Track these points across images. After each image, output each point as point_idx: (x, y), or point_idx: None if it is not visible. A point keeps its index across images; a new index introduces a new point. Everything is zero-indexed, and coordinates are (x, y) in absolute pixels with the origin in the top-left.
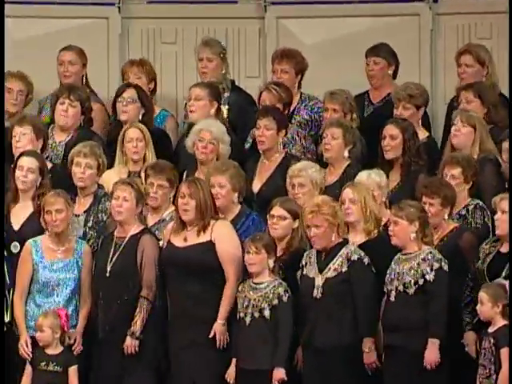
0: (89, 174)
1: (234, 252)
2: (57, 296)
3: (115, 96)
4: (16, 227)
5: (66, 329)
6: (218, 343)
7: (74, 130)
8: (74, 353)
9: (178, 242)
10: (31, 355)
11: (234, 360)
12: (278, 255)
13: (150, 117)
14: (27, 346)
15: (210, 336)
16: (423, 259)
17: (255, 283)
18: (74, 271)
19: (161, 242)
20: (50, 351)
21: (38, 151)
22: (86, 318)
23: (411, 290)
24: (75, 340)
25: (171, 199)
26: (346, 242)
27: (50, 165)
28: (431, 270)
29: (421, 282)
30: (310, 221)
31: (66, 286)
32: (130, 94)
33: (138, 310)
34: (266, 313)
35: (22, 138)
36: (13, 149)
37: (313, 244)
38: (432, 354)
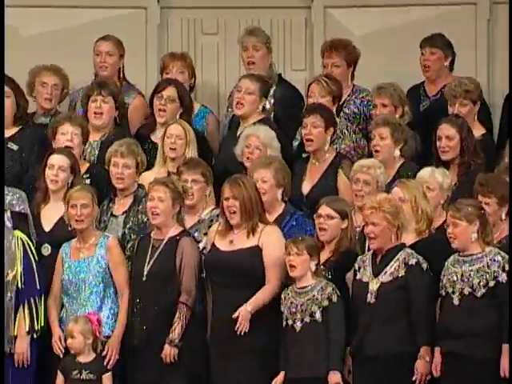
0: (127, 173)
1: (279, 256)
2: (80, 298)
3: (154, 91)
4: (47, 229)
5: (98, 334)
6: (238, 326)
7: (109, 127)
8: (108, 365)
9: (224, 245)
10: (63, 351)
11: (281, 373)
12: (326, 257)
13: (188, 117)
14: (60, 341)
15: (234, 316)
16: (492, 260)
17: (299, 288)
18: (97, 268)
19: (200, 245)
20: (82, 359)
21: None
22: (122, 329)
23: (480, 293)
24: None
25: (207, 197)
26: (403, 245)
27: (86, 165)
28: (503, 270)
29: (491, 283)
30: (369, 218)
31: (91, 286)
32: (170, 92)
33: (176, 316)
34: (318, 315)
35: (75, 138)
36: (55, 146)
37: (369, 243)
38: (506, 360)
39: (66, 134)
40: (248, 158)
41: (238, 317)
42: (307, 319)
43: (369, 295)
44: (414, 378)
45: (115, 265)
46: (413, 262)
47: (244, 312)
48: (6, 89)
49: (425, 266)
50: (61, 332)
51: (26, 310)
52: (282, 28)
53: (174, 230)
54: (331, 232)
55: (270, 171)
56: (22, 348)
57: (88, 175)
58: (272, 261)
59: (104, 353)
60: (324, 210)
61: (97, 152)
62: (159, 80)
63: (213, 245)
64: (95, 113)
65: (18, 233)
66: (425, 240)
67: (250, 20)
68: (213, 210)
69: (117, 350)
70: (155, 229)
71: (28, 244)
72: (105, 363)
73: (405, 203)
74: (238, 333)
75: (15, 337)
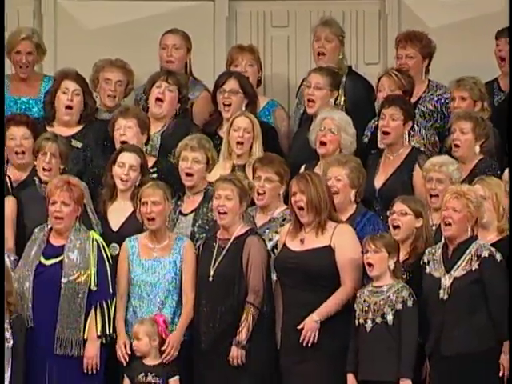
0: (196, 169)
1: (353, 257)
2: (151, 296)
3: (215, 86)
4: (115, 228)
5: (164, 336)
6: (302, 338)
7: (169, 118)
8: (166, 359)
9: (294, 245)
10: (127, 359)
11: (350, 376)
12: (402, 258)
13: (253, 108)
14: (125, 348)
15: (299, 327)
16: None
17: (375, 287)
18: (172, 271)
19: (269, 244)
20: (148, 361)
21: (143, 146)
22: (185, 325)
23: None
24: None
25: (281, 195)
26: (475, 237)
27: (153, 159)
28: None
29: None
30: (451, 203)
31: (163, 287)
32: (231, 85)
33: (243, 317)
34: (389, 318)
35: (128, 132)
36: (115, 142)
37: (444, 230)
38: None
39: (120, 129)
40: (321, 142)
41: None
42: (378, 320)
43: (441, 291)
44: (500, 374)
45: (188, 268)
46: (485, 253)
47: (309, 324)
48: (76, 86)
49: (498, 257)
50: (126, 337)
51: (98, 314)
52: (354, 20)
53: (240, 229)
54: (404, 229)
55: (345, 170)
56: (91, 352)
57: (155, 169)
58: (346, 262)
59: (163, 347)
60: (398, 206)
61: (158, 144)
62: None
63: (284, 245)
64: (157, 99)
65: (92, 233)
66: (506, 239)
67: (321, 12)
68: (286, 208)
69: (177, 347)
70: (221, 228)
71: (103, 245)
72: (162, 357)
73: (485, 201)
74: (304, 344)
75: (84, 340)
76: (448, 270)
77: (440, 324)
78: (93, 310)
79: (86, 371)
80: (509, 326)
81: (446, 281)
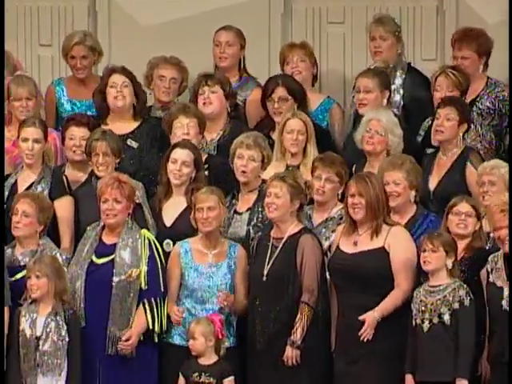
0: (252, 167)
1: (408, 259)
2: (208, 303)
3: (263, 93)
4: (168, 224)
5: (220, 336)
6: (362, 331)
7: (223, 121)
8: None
9: (348, 247)
10: (181, 318)
11: (408, 376)
12: (459, 256)
13: (304, 107)
14: (178, 313)
15: (360, 318)
16: None
17: (432, 286)
18: (227, 276)
19: (326, 243)
20: (203, 361)
21: (199, 145)
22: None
23: None
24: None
25: (339, 196)
26: None
27: (204, 156)
28: None
29: None
30: (501, 222)
31: (217, 290)
32: (280, 93)
33: (298, 316)
34: (446, 317)
35: (191, 130)
36: (172, 140)
37: (501, 246)
38: None
39: (182, 127)
40: (368, 143)
41: (363, 321)
42: (435, 320)
43: (504, 302)
44: None
45: (242, 273)
46: None
47: (370, 318)
48: (124, 79)
49: None
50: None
51: (148, 310)
52: (411, 16)
53: (293, 228)
54: (471, 229)
55: (402, 173)
56: (130, 339)
57: (206, 166)
58: (401, 263)
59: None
60: (464, 207)
61: (215, 146)
62: (279, 74)
63: (337, 247)
64: (204, 103)
65: (144, 232)
66: None
67: (377, 8)
68: (343, 207)
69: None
70: (275, 227)
71: (155, 244)
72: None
73: None
74: (361, 339)
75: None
76: (510, 281)
77: (502, 333)
78: (141, 306)
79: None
80: None
81: (508, 291)
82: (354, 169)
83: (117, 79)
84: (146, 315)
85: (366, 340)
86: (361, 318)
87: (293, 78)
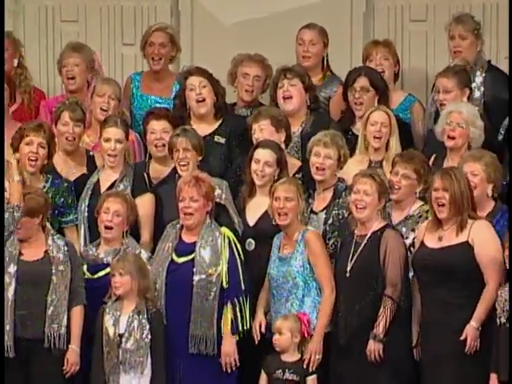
0: (328, 164)
1: (494, 254)
2: (283, 294)
3: (345, 84)
4: (251, 223)
5: (306, 335)
6: (467, 348)
7: (305, 114)
8: (310, 367)
9: (432, 242)
10: (259, 337)
11: (493, 376)
12: None
13: (385, 102)
14: (260, 327)
15: (461, 338)
16: None
17: None
18: (298, 265)
19: (408, 241)
20: (286, 358)
21: (281, 144)
22: (323, 329)
23: None
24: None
25: (417, 194)
26: None
27: (297, 164)
28: None
29: None
30: None
31: (292, 282)
32: (362, 82)
33: (381, 310)
34: None
35: (261, 134)
36: (253, 142)
37: None
38: None
39: (254, 133)
40: (449, 136)
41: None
42: None
43: None
44: None
45: (315, 258)
46: None
47: (471, 331)
48: (201, 79)
49: None
50: (263, 318)
51: (231, 311)
52: (494, 13)
53: (377, 225)
54: None
55: (481, 165)
56: (229, 349)
57: (301, 174)
58: (488, 260)
59: (306, 355)
60: None
61: (299, 142)
62: (362, 65)
63: (421, 242)
64: (284, 97)
65: (224, 230)
66: None
67: (460, 5)
68: (422, 205)
69: (319, 350)
70: (358, 224)
71: (234, 242)
72: (305, 365)
73: None
74: (468, 353)
75: (218, 338)
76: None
77: None
78: (225, 307)
79: (225, 369)
80: None
81: None
82: (432, 161)
83: (194, 81)
84: (230, 318)
85: (472, 352)
86: (462, 337)
87: (376, 71)
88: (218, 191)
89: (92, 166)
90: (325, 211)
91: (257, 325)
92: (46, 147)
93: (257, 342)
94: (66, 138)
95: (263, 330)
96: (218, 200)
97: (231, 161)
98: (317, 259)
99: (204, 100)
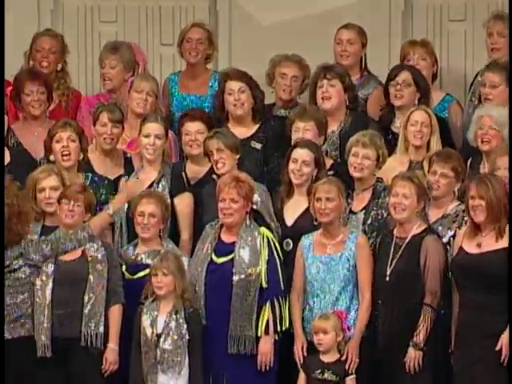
0: (366, 164)
1: None
2: (326, 296)
3: (387, 79)
4: (289, 223)
5: (347, 331)
6: (502, 357)
7: (343, 113)
8: (350, 369)
9: (471, 248)
10: (303, 360)
11: None
12: None
13: (426, 102)
14: (302, 350)
15: (497, 349)
16: None
17: None
18: (345, 267)
19: (443, 239)
20: (325, 358)
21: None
22: (361, 329)
23: None
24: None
25: (455, 192)
26: None
27: (329, 162)
28: None
29: None
30: None
31: (337, 284)
32: (404, 76)
33: (421, 318)
34: None
35: (306, 134)
36: (291, 140)
37: None
38: None
39: (298, 132)
40: (482, 140)
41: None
42: None
43: None
44: None
45: (363, 264)
46: None
47: (506, 341)
48: (240, 84)
49: None
50: (304, 338)
51: (270, 311)
52: None
53: (417, 228)
54: None
55: None
56: (265, 349)
57: (332, 172)
58: None
59: (344, 356)
60: None
61: (338, 145)
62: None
63: (460, 247)
64: (322, 98)
65: (263, 230)
66: None
67: (500, 4)
68: (459, 204)
69: (357, 352)
70: (397, 226)
71: (273, 242)
72: (346, 367)
73: None
74: (503, 362)
75: (258, 337)
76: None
77: None
78: (264, 307)
79: (262, 368)
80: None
81: None
82: (469, 163)
83: (233, 86)
84: (269, 318)
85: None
86: (497, 347)
87: (419, 71)
88: (255, 197)
89: (129, 167)
90: (363, 211)
91: (299, 347)
92: (77, 141)
93: (300, 365)
94: (104, 139)
95: (305, 352)
96: (254, 206)
97: (267, 164)
98: (364, 264)
99: (243, 104)
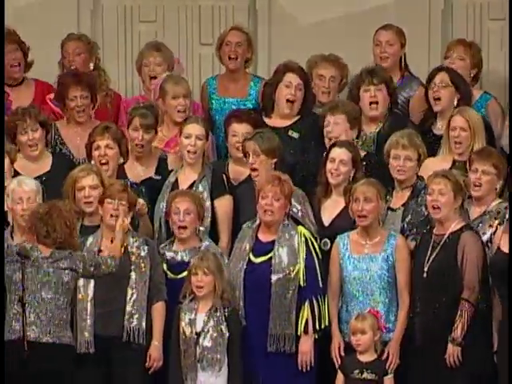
0: (409, 166)
1: None
2: (363, 295)
3: (426, 82)
4: (326, 223)
5: (383, 330)
6: None
7: (383, 117)
8: (390, 369)
9: (506, 246)
10: (340, 361)
11: None
12: None
13: (466, 104)
14: (339, 350)
15: None
16: None
17: None
18: (384, 268)
19: (484, 237)
20: (364, 358)
21: (354, 140)
22: (401, 332)
23: None
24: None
25: (497, 190)
26: None
27: (362, 153)
28: None
29: None
30: None
31: (375, 284)
32: (442, 77)
33: (459, 313)
34: None
35: (336, 128)
36: (325, 140)
37: None
38: None
39: (328, 126)
40: None
41: None
42: None
43: None
44: None
45: (402, 265)
46: None
47: None
48: (299, 81)
49: None
50: (341, 338)
51: (309, 310)
52: None
53: (455, 225)
54: None
55: None
56: (306, 348)
57: (364, 164)
58: None
59: (384, 356)
60: None
61: (373, 144)
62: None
63: (498, 247)
64: (371, 103)
65: (301, 229)
66: None
67: None
68: (501, 202)
69: (397, 353)
70: (437, 223)
71: (311, 241)
72: (386, 367)
73: None
74: None
75: (298, 336)
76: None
77: None
78: (303, 306)
79: (301, 367)
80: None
81: None
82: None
83: (292, 79)
84: (308, 317)
85: None
86: None
87: (456, 71)
88: (295, 205)
89: (162, 168)
90: (403, 208)
91: (336, 347)
92: (116, 147)
93: (337, 366)
94: (136, 145)
95: (342, 352)
96: (292, 214)
97: (304, 154)
98: (403, 265)
99: (294, 102)
